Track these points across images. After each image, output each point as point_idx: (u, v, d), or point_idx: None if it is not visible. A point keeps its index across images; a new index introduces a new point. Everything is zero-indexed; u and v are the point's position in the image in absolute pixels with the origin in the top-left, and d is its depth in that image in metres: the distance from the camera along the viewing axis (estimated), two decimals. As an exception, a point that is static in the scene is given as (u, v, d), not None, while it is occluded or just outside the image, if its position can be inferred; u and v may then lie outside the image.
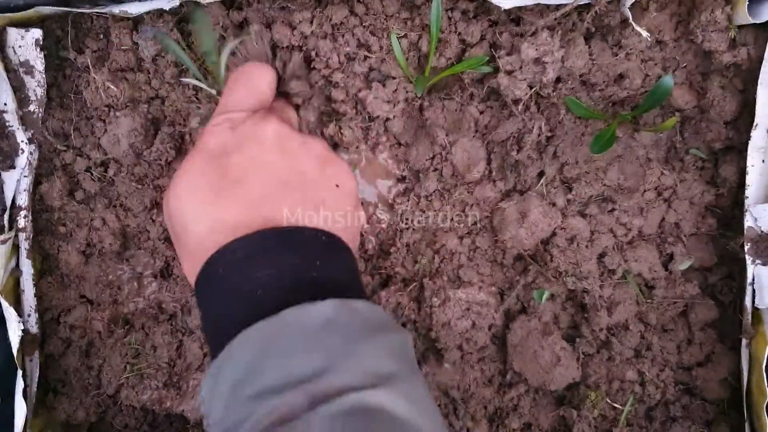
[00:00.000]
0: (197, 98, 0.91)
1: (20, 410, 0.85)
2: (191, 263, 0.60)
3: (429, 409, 0.52)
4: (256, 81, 0.71)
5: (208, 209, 0.57)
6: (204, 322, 0.60)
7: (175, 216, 0.61)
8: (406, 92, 0.91)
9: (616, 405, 0.93)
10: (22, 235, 0.89)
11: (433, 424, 0.51)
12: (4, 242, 0.85)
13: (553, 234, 0.91)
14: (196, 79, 0.84)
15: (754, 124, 0.80)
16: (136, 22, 0.88)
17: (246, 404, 0.48)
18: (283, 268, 0.53)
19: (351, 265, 0.60)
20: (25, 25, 0.83)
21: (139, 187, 0.95)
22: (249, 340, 0.50)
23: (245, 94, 0.69)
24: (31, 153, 0.87)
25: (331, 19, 0.88)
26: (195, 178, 0.61)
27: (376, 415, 0.45)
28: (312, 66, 0.87)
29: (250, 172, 0.59)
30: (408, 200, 0.96)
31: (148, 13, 0.86)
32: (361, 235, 0.98)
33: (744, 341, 0.87)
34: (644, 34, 0.80)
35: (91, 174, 0.93)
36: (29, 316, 0.92)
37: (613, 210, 0.91)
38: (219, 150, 0.63)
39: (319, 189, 0.63)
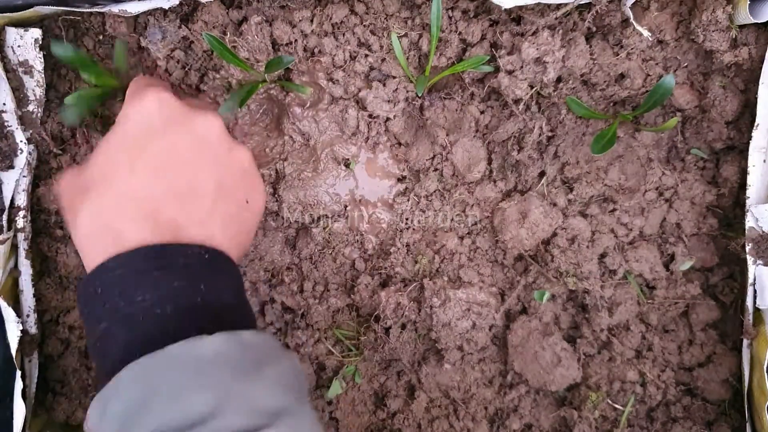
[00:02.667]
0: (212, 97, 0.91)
1: (19, 411, 0.84)
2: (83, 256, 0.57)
3: None
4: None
5: (121, 179, 0.55)
6: (88, 338, 0.57)
7: (90, 173, 0.58)
8: (407, 92, 0.91)
9: (617, 406, 0.93)
10: (21, 236, 0.89)
11: None
12: (2, 242, 0.85)
13: (554, 234, 0.91)
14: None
15: (756, 123, 0.80)
16: (137, 23, 0.88)
17: None
18: (162, 293, 0.50)
19: (237, 284, 0.58)
20: (24, 24, 0.83)
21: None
22: (135, 375, 0.47)
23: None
24: (29, 153, 0.87)
25: (331, 18, 0.88)
26: (117, 143, 0.58)
27: None
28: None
29: (168, 160, 0.57)
30: (408, 200, 0.96)
31: (146, 12, 0.85)
32: (361, 234, 0.98)
33: (745, 342, 0.86)
34: (645, 33, 0.80)
35: (91, 174, 0.93)
36: (28, 316, 0.92)
37: (614, 210, 0.91)
38: (144, 128, 0.59)
39: (230, 202, 0.61)
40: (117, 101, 0.90)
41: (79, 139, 0.91)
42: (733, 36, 0.80)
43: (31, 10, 0.80)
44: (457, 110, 0.91)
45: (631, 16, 0.80)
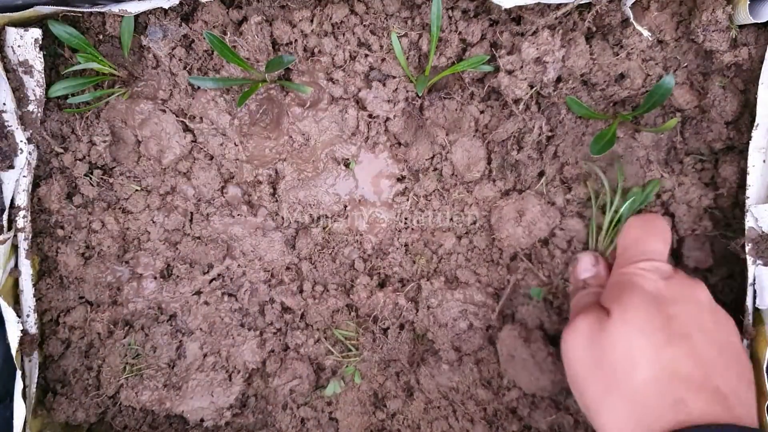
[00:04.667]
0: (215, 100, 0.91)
1: (19, 411, 0.84)
2: (629, 404, 0.63)
3: None
4: (666, 235, 0.78)
5: (662, 354, 0.63)
6: None
7: (618, 351, 0.64)
8: (407, 91, 0.91)
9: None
10: (21, 235, 0.89)
11: None
12: (3, 242, 0.85)
13: (553, 234, 0.91)
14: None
15: (755, 124, 0.79)
16: (137, 22, 0.88)
17: None
18: None
19: None
20: (24, 24, 0.83)
21: (139, 188, 0.95)
22: None
23: (662, 247, 0.76)
24: (29, 153, 0.87)
25: (331, 18, 0.88)
26: (642, 315, 0.66)
27: None
28: None
29: (692, 331, 0.64)
30: (407, 200, 0.96)
31: (146, 12, 0.86)
32: (360, 234, 0.98)
33: (745, 342, 0.86)
34: (645, 33, 0.80)
35: (90, 178, 0.93)
36: (28, 316, 0.92)
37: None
38: (655, 296, 0.67)
39: (740, 363, 0.68)
40: (115, 92, 0.91)
41: (79, 132, 0.91)
42: (733, 36, 0.80)
43: (31, 10, 0.80)
44: (456, 110, 0.91)
45: (631, 16, 0.79)
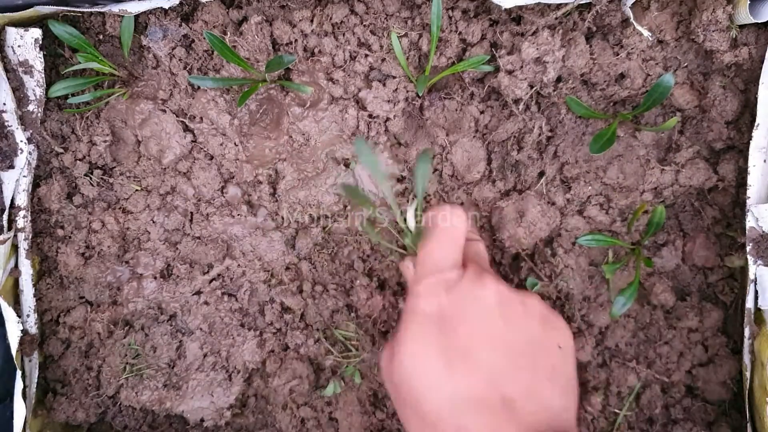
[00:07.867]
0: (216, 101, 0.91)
1: (19, 411, 0.84)
2: None
3: None
4: (458, 233, 0.68)
5: (441, 382, 0.56)
6: None
7: (404, 386, 0.58)
8: (407, 92, 0.91)
9: (615, 408, 0.92)
10: (21, 235, 0.89)
11: None
12: (3, 242, 0.85)
13: (559, 234, 0.91)
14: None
15: (756, 123, 0.79)
16: (137, 22, 0.88)
17: None
18: None
19: None
20: (24, 24, 0.83)
21: (139, 188, 0.95)
22: None
23: (451, 251, 0.67)
24: (30, 153, 0.87)
25: (331, 18, 0.88)
26: (420, 346, 0.58)
27: None
28: None
29: (478, 342, 0.58)
30: (407, 200, 0.96)
31: (146, 12, 0.86)
32: (360, 235, 0.98)
33: (746, 341, 0.86)
34: (645, 33, 0.80)
35: (90, 178, 0.93)
36: (28, 316, 0.92)
37: (609, 210, 0.91)
38: (438, 315, 0.60)
39: (547, 355, 0.61)
40: (115, 92, 0.91)
41: (79, 132, 0.91)
42: (733, 36, 0.80)
43: (31, 10, 0.80)
44: (457, 110, 0.91)
45: (631, 16, 0.80)
